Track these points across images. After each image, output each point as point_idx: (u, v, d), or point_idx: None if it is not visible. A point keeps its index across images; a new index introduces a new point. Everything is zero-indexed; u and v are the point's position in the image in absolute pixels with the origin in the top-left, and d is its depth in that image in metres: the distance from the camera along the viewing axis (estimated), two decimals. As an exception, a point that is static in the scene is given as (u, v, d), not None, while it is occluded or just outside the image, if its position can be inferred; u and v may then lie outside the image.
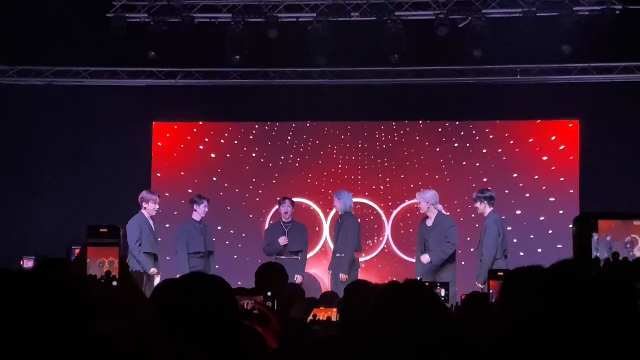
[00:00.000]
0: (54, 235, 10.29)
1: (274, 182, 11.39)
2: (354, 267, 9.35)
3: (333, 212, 11.32)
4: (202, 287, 2.48)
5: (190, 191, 11.02)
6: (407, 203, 11.13)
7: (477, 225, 10.16)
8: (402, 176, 11.24)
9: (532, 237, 10.87)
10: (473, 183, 10.74)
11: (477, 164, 11.12)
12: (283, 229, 9.72)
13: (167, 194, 10.99)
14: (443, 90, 10.96)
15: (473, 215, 10.53)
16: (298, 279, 9.45)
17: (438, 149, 11.21)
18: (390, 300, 2.28)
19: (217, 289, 2.48)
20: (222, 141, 11.60)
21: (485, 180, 10.77)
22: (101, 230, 2.39)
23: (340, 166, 11.37)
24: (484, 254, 8.67)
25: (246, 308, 2.77)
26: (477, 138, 11.19)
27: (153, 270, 8.92)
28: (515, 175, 11.06)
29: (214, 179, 11.43)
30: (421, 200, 9.12)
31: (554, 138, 11.07)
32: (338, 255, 9.38)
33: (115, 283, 2.32)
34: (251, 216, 11.35)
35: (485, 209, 8.84)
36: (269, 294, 2.91)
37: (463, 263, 9.09)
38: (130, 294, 2.28)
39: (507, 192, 10.89)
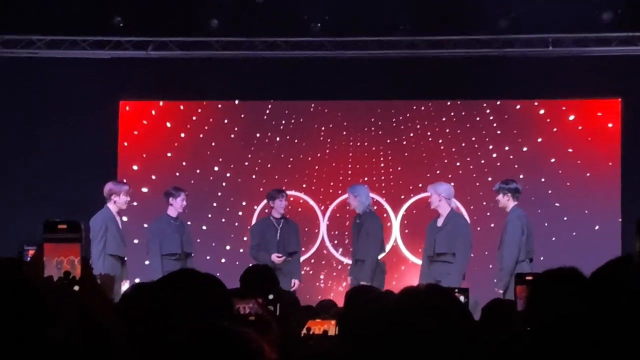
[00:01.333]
0: (2, 236, 10.27)
1: (252, 165, 11.42)
2: (379, 271, 9.41)
3: (331, 207, 11.34)
4: (189, 287, 2.46)
5: (153, 177, 11.03)
6: (416, 197, 11.15)
7: (492, 225, 10.17)
8: (399, 168, 11.30)
9: (574, 234, 10.89)
10: (495, 173, 10.77)
11: (506, 148, 11.15)
12: (274, 227, 9.70)
13: (146, 190, 11.03)
14: (460, 64, 10.95)
15: (488, 213, 10.58)
16: (295, 284, 9.49)
17: (452, 132, 11.26)
18: (409, 310, 2.24)
19: (208, 289, 2.45)
20: (206, 127, 11.60)
21: (515, 166, 10.82)
22: (59, 226, 2.37)
23: (329, 151, 11.41)
24: (504, 255, 8.69)
25: (242, 313, 2.75)
26: (501, 119, 11.23)
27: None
28: (552, 160, 11.11)
29: (197, 170, 11.46)
30: (432, 192, 9.16)
31: (599, 114, 11.07)
32: (359, 259, 9.43)
33: (76, 287, 2.31)
34: (214, 205, 11.37)
35: (508, 202, 8.86)
36: (271, 297, 2.88)
37: (475, 268, 9.11)
38: (92, 298, 2.27)
39: (543, 179, 10.91)
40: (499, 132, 11.25)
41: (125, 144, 11.51)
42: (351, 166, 11.41)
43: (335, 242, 11.40)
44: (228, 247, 11.33)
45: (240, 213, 11.45)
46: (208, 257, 10.62)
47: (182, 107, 11.70)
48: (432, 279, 8.83)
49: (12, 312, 1.93)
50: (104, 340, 2.29)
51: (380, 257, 9.55)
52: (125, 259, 9.20)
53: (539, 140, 11.16)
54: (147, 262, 9.86)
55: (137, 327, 2.45)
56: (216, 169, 11.52)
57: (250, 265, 5.55)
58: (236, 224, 11.43)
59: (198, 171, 11.49)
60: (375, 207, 10.30)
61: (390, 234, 11.25)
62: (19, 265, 2.77)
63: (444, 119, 11.35)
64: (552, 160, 11.12)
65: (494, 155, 11.21)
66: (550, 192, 10.98)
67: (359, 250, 9.47)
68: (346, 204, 10.30)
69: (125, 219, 9.94)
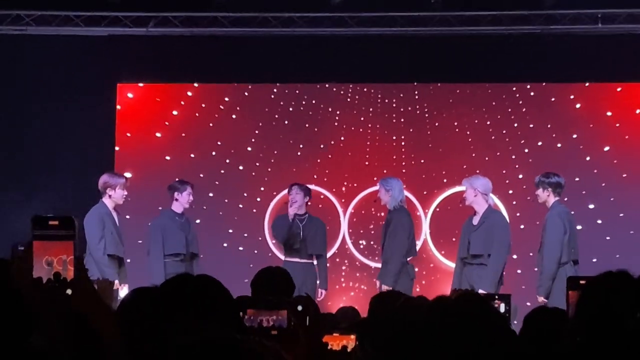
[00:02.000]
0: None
1: (256, 151, 11.35)
2: (406, 275, 9.35)
3: (354, 202, 11.28)
4: (192, 293, 2.45)
5: (139, 160, 11.02)
6: (449, 192, 11.11)
7: (522, 227, 10.09)
8: (422, 160, 11.25)
9: (608, 238, 10.87)
10: (526, 170, 10.77)
11: (539, 143, 11.14)
12: (297, 224, 9.67)
13: (130, 175, 11.00)
14: (499, 43, 10.94)
15: (518, 214, 10.53)
16: (322, 294, 9.50)
17: (482, 123, 11.26)
18: (441, 321, 2.21)
19: (213, 295, 2.45)
20: (204, 105, 11.57)
21: (548, 163, 10.74)
22: (50, 222, 2.37)
23: (344, 139, 11.35)
24: (544, 257, 8.65)
25: (265, 326, 2.75)
26: (534, 113, 11.25)
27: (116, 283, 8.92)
28: (587, 158, 11.11)
29: (192, 155, 11.41)
30: (467, 186, 9.16)
31: (638, 111, 11.09)
32: (384, 261, 9.45)
33: (69, 291, 2.30)
34: (210, 195, 11.28)
35: (549, 198, 8.87)
36: (300, 308, 2.88)
37: (504, 273, 9.07)
38: (86, 302, 2.26)
39: (577, 179, 10.84)
40: (531, 125, 11.21)
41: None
42: (369, 156, 11.33)
43: (352, 239, 11.34)
44: (225, 245, 11.23)
45: (240, 205, 11.31)
46: (201, 256, 10.03)
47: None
48: (466, 283, 8.82)
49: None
50: (98, 350, 2.29)
51: (409, 258, 9.49)
52: (124, 259, 9.21)
53: (574, 136, 11.13)
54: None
55: (136, 336, 2.45)
56: (214, 154, 11.41)
57: (261, 268, 5.49)
58: (236, 217, 11.32)
59: (192, 155, 11.40)
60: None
61: (419, 233, 11.21)
62: (4, 266, 2.77)
63: (472, 108, 11.28)
64: (587, 158, 11.08)
65: (526, 150, 11.17)
66: (584, 192, 10.93)
67: (384, 252, 9.47)
68: (367, 200, 10.26)
69: (128, 217, 9.88)
